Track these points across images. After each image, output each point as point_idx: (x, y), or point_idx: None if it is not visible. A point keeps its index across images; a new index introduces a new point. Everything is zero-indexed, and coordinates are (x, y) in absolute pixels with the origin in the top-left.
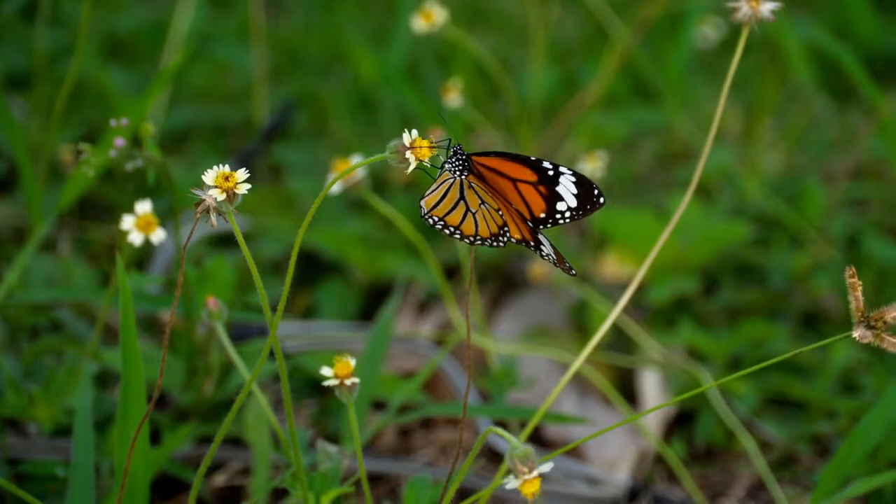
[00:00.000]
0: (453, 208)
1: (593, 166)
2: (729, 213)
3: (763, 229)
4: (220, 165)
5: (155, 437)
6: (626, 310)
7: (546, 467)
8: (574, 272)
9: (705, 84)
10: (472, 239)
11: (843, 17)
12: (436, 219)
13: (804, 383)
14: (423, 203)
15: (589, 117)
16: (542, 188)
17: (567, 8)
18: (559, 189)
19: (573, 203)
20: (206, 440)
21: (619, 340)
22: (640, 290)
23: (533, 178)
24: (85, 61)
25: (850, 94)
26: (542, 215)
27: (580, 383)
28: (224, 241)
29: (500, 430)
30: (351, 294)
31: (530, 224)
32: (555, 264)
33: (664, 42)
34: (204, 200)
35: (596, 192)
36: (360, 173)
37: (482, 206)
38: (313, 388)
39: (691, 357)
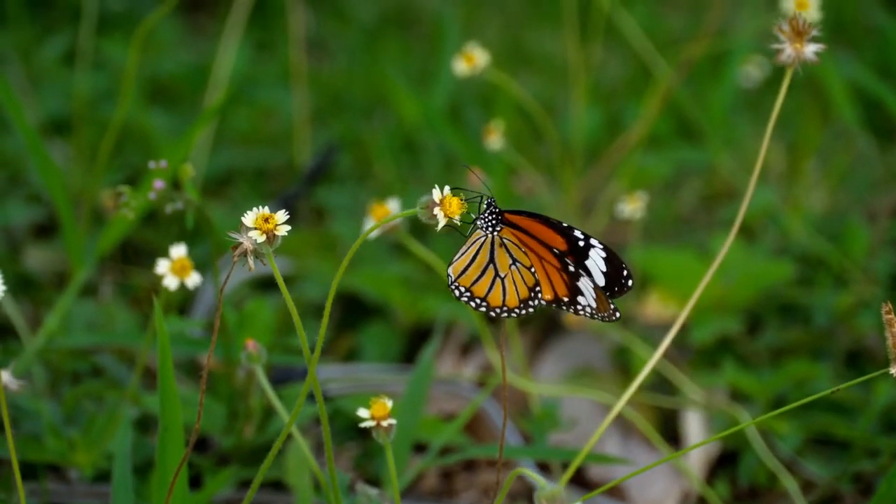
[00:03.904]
0: (482, 275)
1: (634, 207)
2: (772, 253)
3: (807, 268)
4: (260, 207)
5: (197, 482)
6: (668, 351)
7: None
8: (618, 316)
9: (749, 123)
10: (497, 311)
11: (885, 57)
12: (462, 289)
13: (847, 422)
14: (450, 270)
15: (632, 158)
16: (570, 258)
17: (611, 49)
18: (588, 263)
19: (601, 281)
20: (247, 484)
21: (662, 381)
22: (683, 330)
23: (563, 246)
24: (128, 105)
25: (894, 133)
26: (565, 298)
27: (624, 425)
28: (267, 284)
29: (528, 472)
30: (393, 336)
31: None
32: (593, 316)
33: (707, 82)
34: (242, 244)
35: (625, 273)
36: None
37: (513, 266)
38: (356, 430)
39: (734, 398)
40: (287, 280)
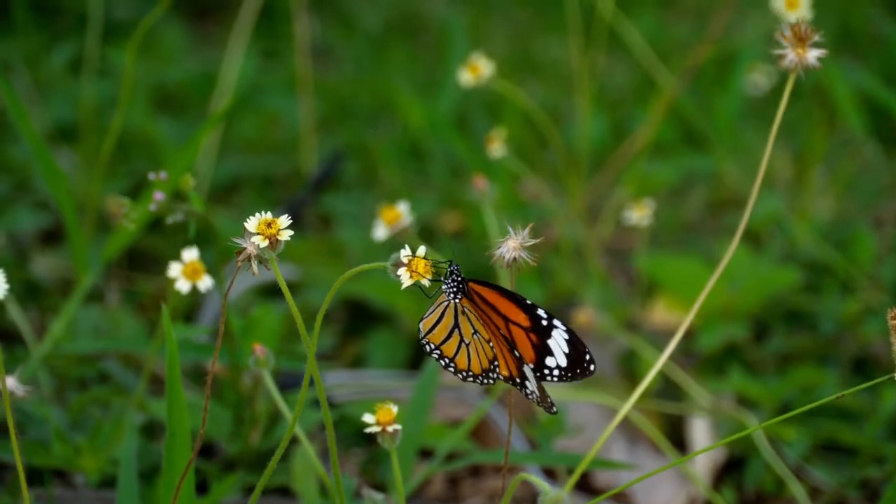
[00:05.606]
0: (448, 336)
1: (641, 214)
2: (779, 260)
3: (813, 275)
4: (263, 212)
5: (203, 488)
6: (675, 357)
7: None
8: (555, 410)
9: (755, 131)
10: (464, 375)
11: (892, 65)
12: (432, 346)
13: (854, 429)
14: (420, 325)
15: (637, 165)
16: (532, 336)
17: (618, 56)
18: (550, 342)
19: (563, 362)
20: (253, 490)
21: (669, 388)
22: (690, 336)
23: (525, 323)
24: (133, 113)
25: None
26: (531, 366)
27: (630, 431)
28: (274, 291)
29: (532, 477)
30: (400, 343)
31: (517, 354)
32: (538, 403)
33: (714, 89)
34: (245, 249)
35: (587, 357)
36: (406, 220)
37: (475, 335)
38: (362, 436)
39: (741, 404)
40: (294, 287)
